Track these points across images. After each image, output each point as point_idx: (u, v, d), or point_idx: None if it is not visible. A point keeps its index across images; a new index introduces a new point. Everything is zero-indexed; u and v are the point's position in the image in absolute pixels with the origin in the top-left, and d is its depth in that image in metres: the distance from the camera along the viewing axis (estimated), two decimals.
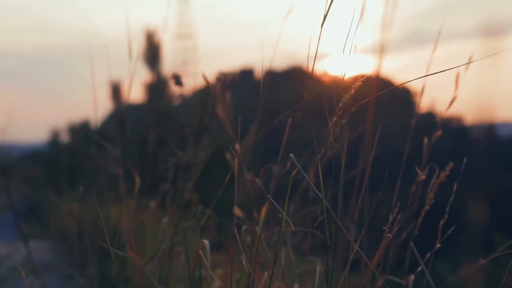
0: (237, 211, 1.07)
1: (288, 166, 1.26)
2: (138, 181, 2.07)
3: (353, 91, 1.27)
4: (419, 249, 1.52)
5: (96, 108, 1.86)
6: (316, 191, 1.18)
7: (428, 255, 1.41)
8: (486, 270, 1.52)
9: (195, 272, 1.56)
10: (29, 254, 1.99)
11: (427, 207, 1.40)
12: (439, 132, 1.41)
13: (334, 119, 1.17)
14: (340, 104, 1.14)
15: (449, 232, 1.40)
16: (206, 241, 1.41)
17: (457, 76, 1.37)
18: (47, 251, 4.99)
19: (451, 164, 1.39)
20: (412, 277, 1.57)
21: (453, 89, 1.40)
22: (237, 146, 1.13)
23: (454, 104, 1.46)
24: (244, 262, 1.36)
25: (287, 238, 1.83)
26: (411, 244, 1.51)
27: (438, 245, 1.41)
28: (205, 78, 1.09)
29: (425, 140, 1.42)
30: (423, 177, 1.41)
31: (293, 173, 1.22)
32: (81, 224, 3.17)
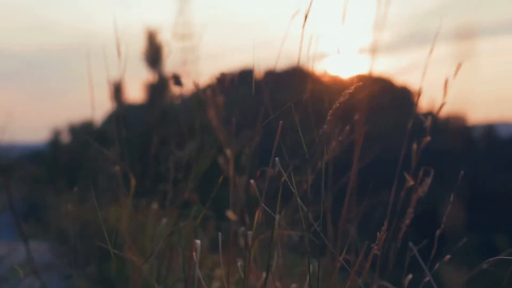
0: (230, 214, 1.08)
1: (282, 169, 1.26)
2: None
3: (349, 90, 1.27)
4: (419, 251, 1.51)
5: (94, 108, 1.87)
6: (308, 194, 1.19)
7: (434, 254, 1.40)
8: (488, 272, 1.52)
9: (192, 272, 1.56)
10: (29, 254, 2.00)
11: (407, 221, 1.38)
12: (428, 138, 1.40)
13: (328, 118, 1.18)
14: (334, 107, 1.14)
15: (439, 231, 1.40)
16: (198, 241, 1.40)
17: (446, 81, 1.36)
18: (47, 251, 4.99)
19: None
20: (409, 277, 1.57)
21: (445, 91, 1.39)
22: (228, 151, 1.13)
23: (450, 104, 1.45)
24: (238, 264, 1.36)
25: (283, 239, 1.83)
26: (410, 244, 1.51)
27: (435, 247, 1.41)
28: (195, 84, 1.08)
29: (414, 146, 1.42)
30: (412, 183, 1.40)
31: (283, 178, 1.22)
32: (80, 225, 3.17)
